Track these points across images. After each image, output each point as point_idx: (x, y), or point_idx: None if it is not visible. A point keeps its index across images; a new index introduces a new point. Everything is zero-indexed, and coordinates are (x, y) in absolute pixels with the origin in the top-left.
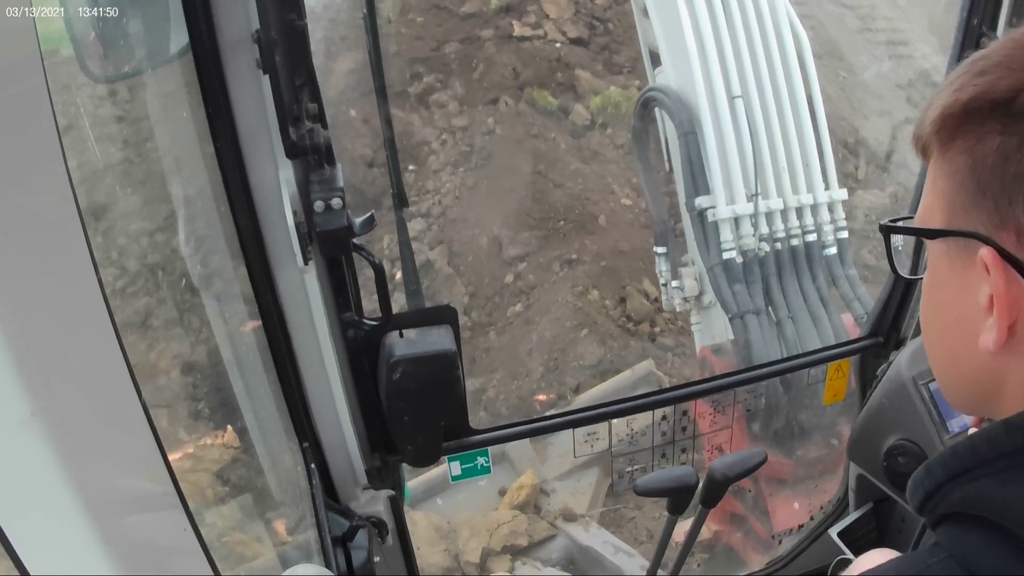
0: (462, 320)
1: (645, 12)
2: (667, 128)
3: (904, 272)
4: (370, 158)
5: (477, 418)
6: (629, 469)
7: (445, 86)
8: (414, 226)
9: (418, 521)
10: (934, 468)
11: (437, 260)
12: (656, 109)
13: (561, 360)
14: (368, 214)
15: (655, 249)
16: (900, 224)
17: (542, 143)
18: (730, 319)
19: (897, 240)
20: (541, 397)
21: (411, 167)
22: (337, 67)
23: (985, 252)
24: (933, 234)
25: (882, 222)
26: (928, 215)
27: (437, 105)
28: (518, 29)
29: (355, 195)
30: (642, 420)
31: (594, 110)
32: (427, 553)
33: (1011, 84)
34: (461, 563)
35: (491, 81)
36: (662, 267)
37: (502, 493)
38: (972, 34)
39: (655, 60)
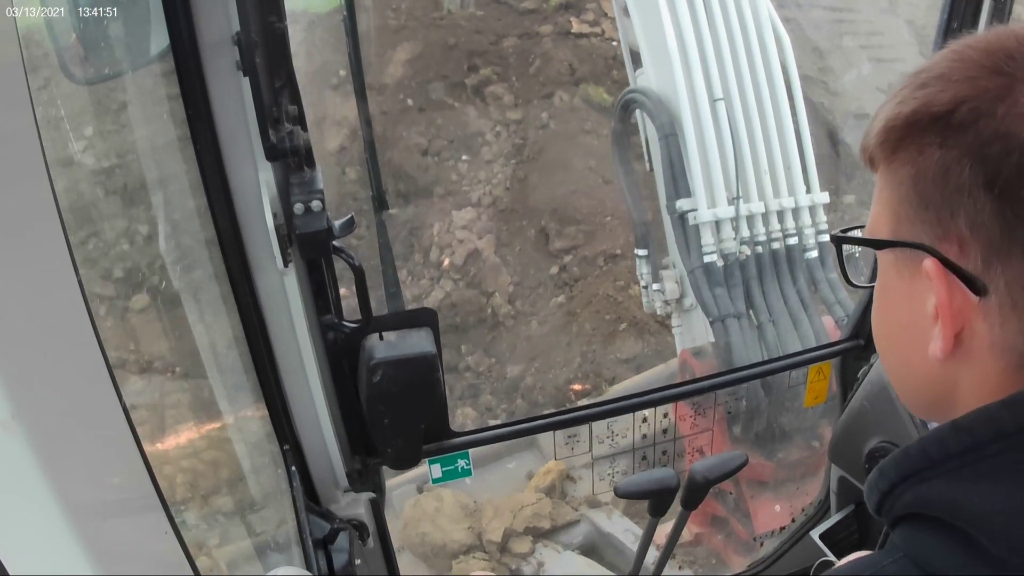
0: (506, 309)
1: (625, 11)
2: (648, 130)
3: (862, 281)
4: (424, 146)
5: (514, 405)
6: (610, 471)
7: (502, 79)
8: (464, 215)
9: (445, 498)
10: (887, 470)
11: (484, 249)
12: (637, 111)
13: (599, 352)
14: (348, 216)
15: (636, 251)
16: (849, 235)
17: (594, 139)
18: (711, 322)
19: (855, 247)
20: (576, 387)
21: (464, 157)
22: (396, 56)
23: (929, 263)
24: (880, 244)
25: (832, 232)
26: (875, 226)
27: (493, 97)
28: (576, 26)
29: (408, 182)
30: (623, 422)
31: None
32: (451, 530)
33: (950, 97)
34: (483, 541)
35: (547, 76)
36: (643, 269)
37: (529, 477)
38: (952, 38)
39: (636, 61)
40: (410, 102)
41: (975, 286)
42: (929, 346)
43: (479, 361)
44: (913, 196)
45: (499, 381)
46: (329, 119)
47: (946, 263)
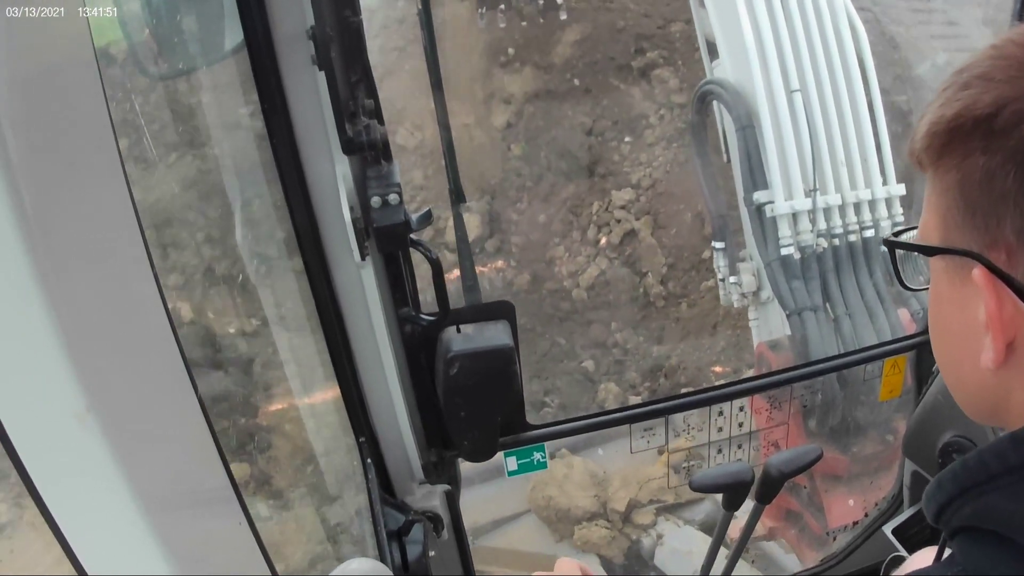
0: (658, 290)
1: (702, 2)
2: (725, 122)
3: (921, 282)
4: (588, 126)
5: (657, 384)
6: (686, 464)
7: (668, 63)
8: (623, 195)
9: (575, 466)
10: (945, 482)
11: (641, 230)
12: (714, 102)
13: (743, 337)
14: (426, 210)
15: (712, 244)
16: (901, 240)
17: None
18: (787, 315)
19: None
20: (717, 368)
21: (627, 139)
22: (565, 37)
23: (977, 271)
24: (930, 251)
25: (885, 237)
26: (926, 231)
27: (658, 80)
28: None
29: (570, 161)
30: (699, 416)
31: None
32: (577, 496)
33: (993, 98)
34: (607, 510)
35: None
36: (720, 262)
37: (660, 452)
38: None
39: (712, 52)
40: (576, 82)
41: None
42: (981, 355)
43: (627, 339)
44: (960, 202)
45: (645, 359)
46: (497, 96)
47: (995, 271)
